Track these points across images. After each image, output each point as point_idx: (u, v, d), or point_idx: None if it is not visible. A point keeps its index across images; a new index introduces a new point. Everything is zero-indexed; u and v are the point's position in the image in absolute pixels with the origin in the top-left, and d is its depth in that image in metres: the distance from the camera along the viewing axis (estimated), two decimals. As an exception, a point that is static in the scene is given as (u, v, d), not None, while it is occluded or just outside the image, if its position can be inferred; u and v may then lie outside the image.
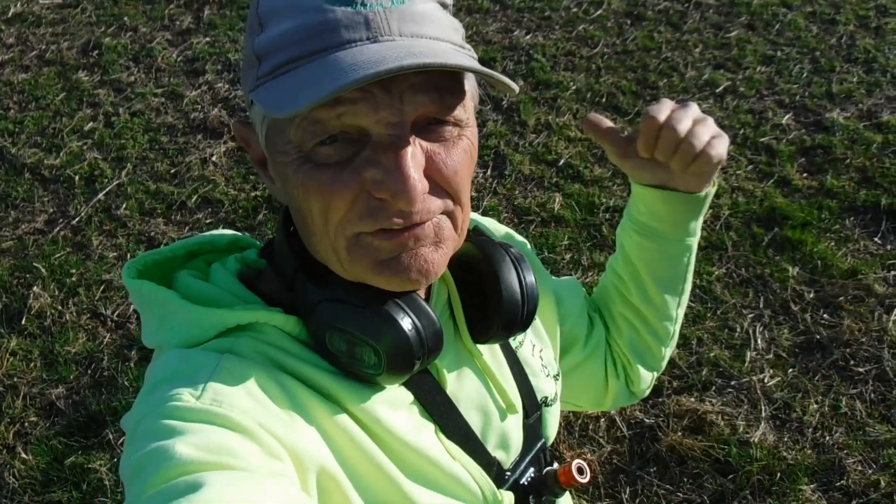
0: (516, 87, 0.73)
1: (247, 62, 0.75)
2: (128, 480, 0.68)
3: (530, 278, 0.89)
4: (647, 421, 2.48)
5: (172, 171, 3.44)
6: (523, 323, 0.89)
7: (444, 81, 0.72)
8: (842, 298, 2.84)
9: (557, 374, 1.08)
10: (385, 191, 0.70)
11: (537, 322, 1.05)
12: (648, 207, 1.04)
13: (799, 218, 3.16)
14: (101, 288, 2.92)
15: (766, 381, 2.59)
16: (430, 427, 0.85)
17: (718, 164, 0.95)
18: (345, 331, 0.76)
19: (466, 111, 0.75)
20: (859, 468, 2.34)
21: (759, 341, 2.71)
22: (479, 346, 0.92)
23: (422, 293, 0.88)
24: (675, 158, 0.92)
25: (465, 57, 0.71)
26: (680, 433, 2.43)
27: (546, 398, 1.01)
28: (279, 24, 0.70)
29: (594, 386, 1.15)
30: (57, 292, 2.90)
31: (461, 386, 0.90)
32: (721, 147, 0.94)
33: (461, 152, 0.75)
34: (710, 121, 0.95)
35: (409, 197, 0.69)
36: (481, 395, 0.92)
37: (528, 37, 4.24)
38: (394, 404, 0.82)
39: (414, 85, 0.69)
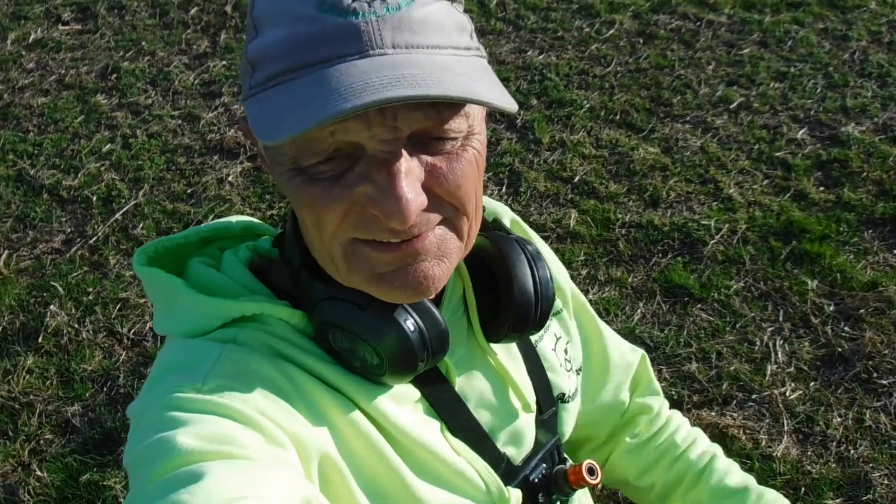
0: (514, 107, 0.68)
1: (243, 68, 0.74)
2: (131, 471, 0.68)
3: (545, 277, 0.87)
4: (667, 435, 2.45)
5: (189, 191, 3.46)
6: (536, 324, 0.87)
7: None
8: (862, 311, 2.81)
9: (580, 369, 1.06)
10: (377, 208, 0.68)
11: (564, 315, 1.04)
12: None
13: (817, 231, 3.14)
14: (118, 306, 2.92)
15: (787, 394, 2.55)
16: (435, 424, 0.85)
17: None
18: (347, 330, 0.76)
19: (469, 119, 0.71)
20: (886, 482, 2.29)
21: (779, 355, 2.68)
22: (493, 344, 0.91)
23: None
24: None
25: (462, 72, 0.66)
26: (701, 447, 2.39)
27: (563, 394, 0.99)
28: (272, 31, 0.68)
29: None
30: (74, 311, 2.91)
31: (471, 382, 0.89)
32: None
33: (465, 164, 0.71)
34: None
35: (401, 217, 0.67)
36: (492, 392, 0.91)
37: (541, 56, 4.26)
38: (399, 400, 0.82)
39: (408, 103, 0.65)
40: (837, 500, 2.26)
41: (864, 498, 2.26)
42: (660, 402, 1.18)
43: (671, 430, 1.15)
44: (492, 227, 0.96)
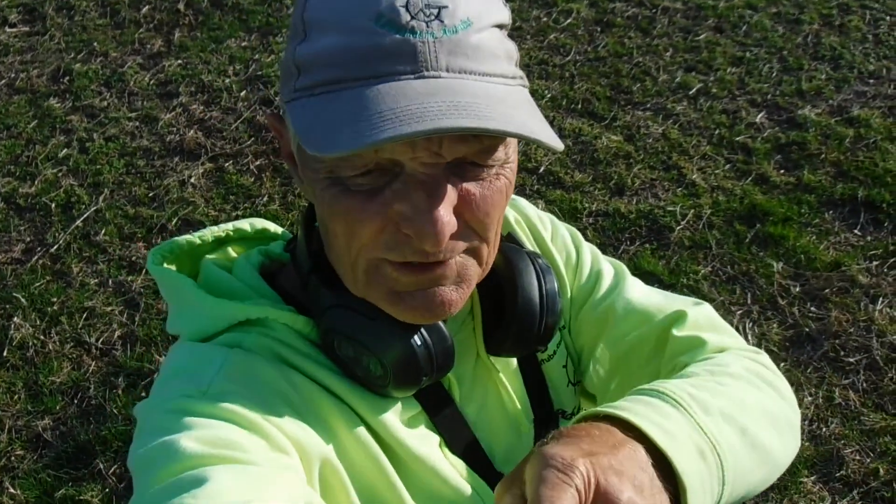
0: (560, 146, 0.67)
1: (286, 68, 0.72)
2: (136, 474, 0.68)
3: (553, 290, 0.86)
4: (645, 421, 2.48)
5: (151, 194, 3.40)
6: (539, 338, 0.86)
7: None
8: (827, 291, 2.87)
9: (578, 382, 1.05)
10: (412, 228, 0.67)
11: (566, 331, 1.01)
12: None
13: (779, 214, 3.20)
14: (84, 315, 2.86)
15: (759, 375, 2.60)
16: (434, 439, 0.84)
17: None
18: (353, 339, 0.75)
19: (507, 149, 0.72)
20: (857, 457, 2.36)
21: (749, 337, 2.73)
22: (495, 359, 0.90)
23: None
24: None
25: (513, 106, 0.66)
26: (678, 432, 2.43)
27: (564, 411, 0.99)
28: (325, 38, 0.67)
29: None
30: (38, 322, 2.85)
31: (472, 397, 0.88)
32: None
33: (496, 192, 0.71)
34: None
35: (435, 240, 0.67)
36: (493, 408, 0.90)
37: (500, 47, 4.26)
38: (400, 413, 0.81)
39: (456, 134, 0.65)
40: (812, 478, 2.32)
41: (838, 474, 2.32)
42: (719, 340, 0.93)
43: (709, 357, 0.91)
44: (504, 239, 0.96)
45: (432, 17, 0.65)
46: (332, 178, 0.70)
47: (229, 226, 0.92)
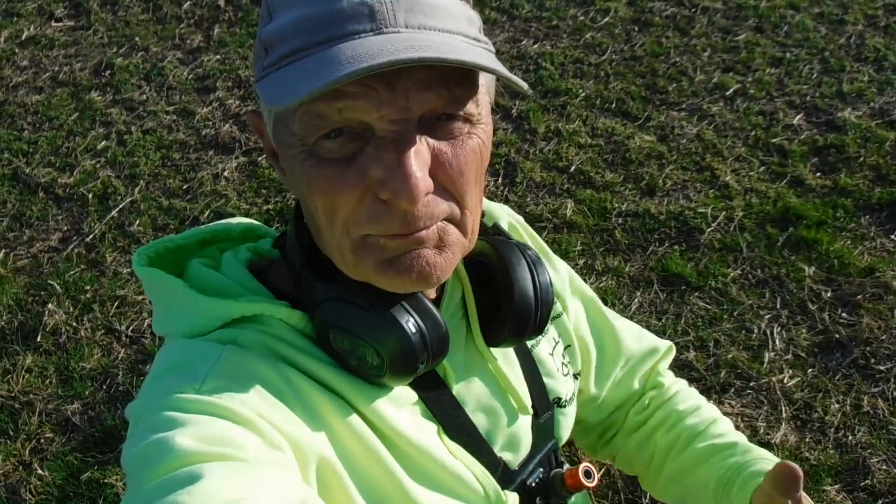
0: (525, 85, 0.69)
1: (256, 52, 0.74)
2: (129, 472, 0.68)
3: (546, 281, 0.87)
4: (666, 424, 2.45)
5: (185, 186, 3.46)
6: (535, 328, 0.87)
7: (455, 76, 0.69)
8: (860, 297, 2.81)
9: (578, 374, 1.06)
10: (388, 190, 0.68)
11: (564, 319, 1.03)
12: None
13: (813, 217, 3.14)
14: (116, 304, 2.92)
15: (785, 381, 2.56)
16: (432, 427, 0.84)
17: None
18: (348, 331, 0.76)
19: (479, 106, 0.72)
20: (884, 467, 2.30)
21: (777, 342, 2.68)
22: (491, 348, 0.91)
23: (433, 293, 0.87)
24: None
25: (475, 51, 0.68)
26: (699, 436, 2.40)
27: (560, 399, 0.99)
28: (286, 13, 0.69)
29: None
30: (72, 309, 2.91)
31: (469, 386, 0.89)
32: None
33: (469, 151, 0.72)
34: None
35: (410, 196, 0.67)
36: (489, 395, 0.90)
37: (535, 46, 4.24)
38: (397, 402, 0.81)
39: (420, 81, 0.67)
40: (836, 486, 2.27)
41: (863, 483, 2.27)
42: (672, 381, 1.18)
43: (675, 399, 1.15)
44: (491, 231, 0.96)
45: None
46: (305, 150, 0.71)
47: (213, 226, 0.92)
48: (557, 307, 1.03)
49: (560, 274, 1.06)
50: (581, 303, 1.09)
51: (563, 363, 1.01)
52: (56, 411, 2.59)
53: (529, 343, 0.97)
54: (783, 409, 2.48)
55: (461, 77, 0.70)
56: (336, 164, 0.70)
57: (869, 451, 2.35)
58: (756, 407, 2.49)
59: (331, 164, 0.70)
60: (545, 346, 0.99)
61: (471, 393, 0.89)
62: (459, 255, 0.76)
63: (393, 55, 0.62)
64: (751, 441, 2.38)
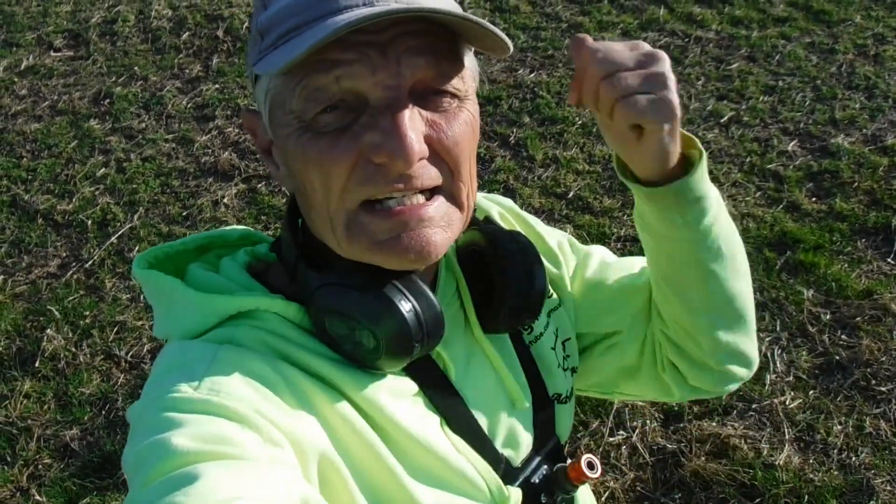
0: (509, 42, 0.72)
1: (251, 41, 0.76)
2: (130, 474, 0.68)
3: (538, 266, 0.89)
4: (670, 447, 2.45)
5: (184, 213, 3.46)
6: (530, 310, 0.88)
7: (443, 49, 0.73)
8: (858, 319, 2.82)
9: (576, 368, 1.05)
10: (383, 152, 0.70)
11: (561, 311, 1.03)
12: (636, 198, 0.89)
13: (810, 241, 3.16)
14: (115, 329, 2.91)
15: (787, 403, 2.56)
16: (434, 419, 0.84)
17: (652, 123, 0.74)
18: (343, 314, 0.76)
19: (465, 83, 0.76)
20: (888, 488, 2.30)
21: (778, 364, 2.69)
22: (489, 339, 0.91)
23: (428, 281, 0.88)
24: (599, 109, 0.76)
25: (461, 11, 0.71)
26: (703, 458, 2.39)
27: (559, 395, 0.99)
28: (280, 0, 0.72)
29: (629, 374, 1.05)
30: (70, 334, 2.90)
31: (468, 379, 0.89)
32: (648, 104, 0.73)
33: (462, 123, 0.75)
34: (660, 64, 0.74)
35: (405, 155, 0.69)
36: (489, 389, 0.90)
37: (532, 75, 4.29)
38: (397, 394, 0.81)
39: (411, 48, 0.70)
40: (841, 508, 2.26)
41: (868, 505, 2.26)
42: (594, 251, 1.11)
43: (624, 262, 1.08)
44: (482, 223, 0.97)
45: None
46: (301, 125, 0.73)
47: (211, 232, 0.93)
48: (554, 299, 1.01)
49: (556, 245, 1.04)
50: (583, 258, 1.06)
51: (563, 356, 1.01)
52: (54, 437, 2.56)
53: (528, 338, 0.97)
54: (786, 430, 2.48)
55: (449, 52, 0.74)
56: (329, 135, 0.72)
57: (873, 471, 2.34)
58: (759, 429, 2.49)
59: (325, 136, 0.72)
60: (547, 341, 0.98)
61: (470, 385, 0.88)
62: (457, 232, 0.78)
63: (388, 5, 0.66)
64: (754, 463, 2.36)
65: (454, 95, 0.74)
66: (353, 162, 0.72)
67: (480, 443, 0.87)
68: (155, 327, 0.85)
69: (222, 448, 0.66)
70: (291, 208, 0.85)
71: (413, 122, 0.71)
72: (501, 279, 0.87)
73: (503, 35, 0.72)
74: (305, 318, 0.81)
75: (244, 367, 0.75)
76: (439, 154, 0.74)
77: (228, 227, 0.96)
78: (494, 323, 0.89)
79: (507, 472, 0.90)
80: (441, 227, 0.75)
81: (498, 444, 0.90)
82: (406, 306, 0.76)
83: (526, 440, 0.93)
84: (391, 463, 0.78)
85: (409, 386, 0.83)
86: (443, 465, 0.82)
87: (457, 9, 0.74)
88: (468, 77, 0.77)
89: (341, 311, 0.76)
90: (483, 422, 0.89)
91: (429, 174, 0.73)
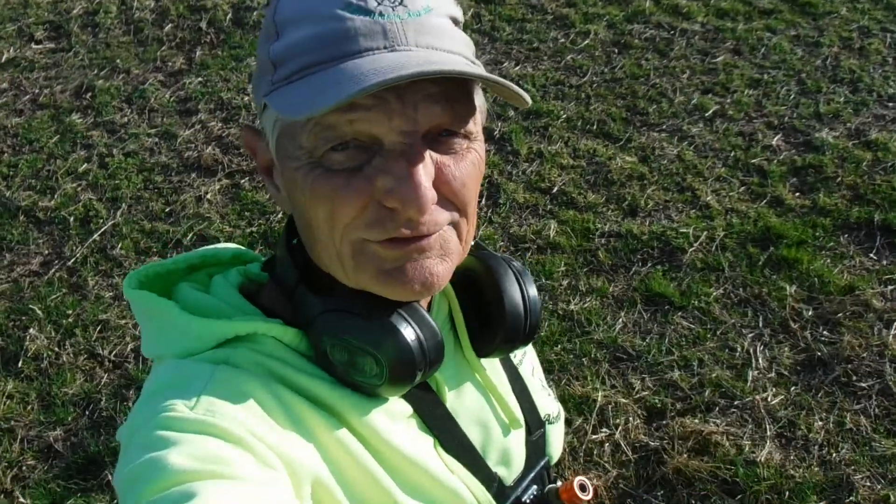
0: (529, 98, 0.73)
1: (261, 68, 0.75)
2: (122, 492, 0.68)
3: (533, 291, 0.89)
4: (652, 444, 2.46)
5: (167, 209, 3.44)
6: (526, 336, 0.89)
7: (457, 94, 0.72)
8: (840, 315, 2.84)
9: (555, 396, 1.07)
10: (396, 199, 0.70)
11: (530, 349, 1.05)
12: None
13: (794, 237, 3.18)
14: (98, 328, 2.90)
15: (769, 399, 2.58)
16: (428, 440, 0.85)
17: None
18: (347, 341, 0.76)
19: (476, 124, 0.76)
20: (868, 484, 2.32)
21: (760, 360, 2.71)
22: (481, 360, 0.91)
23: (423, 305, 0.88)
24: None
25: (480, 70, 0.72)
26: (685, 455, 2.41)
27: (549, 416, 1.00)
28: (297, 31, 0.71)
29: None
30: (53, 334, 2.89)
31: (461, 400, 0.89)
32: None
33: (469, 165, 0.75)
34: None
35: (419, 205, 0.69)
36: (482, 409, 0.91)
37: (517, 68, 4.28)
38: (392, 416, 0.82)
39: (429, 95, 0.70)
40: (821, 503, 2.29)
41: (847, 500, 2.29)
42: None
43: None
44: (475, 248, 0.98)
45: (396, 4, 0.70)
46: (312, 162, 0.72)
47: (202, 251, 0.93)
48: None
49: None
50: None
51: (542, 384, 1.02)
52: (38, 438, 2.55)
53: (515, 361, 0.98)
54: (767, 427, 2.50)
55: (463, 96, 0.73)
56: (342, 174, 0.71)
57: (853, 468, 2.37)
58: (741, 425, 2.51)
59: (337, 175, 0.71)
60: (527, 367, 1.00)
61: (463, 406, 0.89)
62: (456, 263, 0.78)
63: (418, 67, 0.65)
64: (736, 460, 2.39)
65: (465, 136, 0.75)
66: (364, 203, 0.72)
67: (474, 463, 0.88)
68: (144, 346, 0.84)
69: (218, 468, 0.66)
70: (289, 229, 0.85)
71: (426, 168, 0.71)
72: (497, 305, 0.87)
73: (523, 93, 0.72)
74: (303, 342, 0.81)
75: (240, 388, 0.75)
76: (447, 196, 0.74)
77: (221, 245, 0.95)
78: (489, 347, 0.90)
79: (500, 492, 0.90)
80: (441, 256, 0.76)
81: (491, 464, 0.90)
82: (410, 335, 0.76)
83: (518, 459, 0.94)
84: (386, 484, 0.79)
85: (404, 408, 0.83)
86: (436, 484, 0.83)
87: (478, 65, 0.75)
88: (478, 116, 0.77)
89: (346, 337, 0.76)
90: (476, 441, 0.89)
91: (435, 220, 0.73)
